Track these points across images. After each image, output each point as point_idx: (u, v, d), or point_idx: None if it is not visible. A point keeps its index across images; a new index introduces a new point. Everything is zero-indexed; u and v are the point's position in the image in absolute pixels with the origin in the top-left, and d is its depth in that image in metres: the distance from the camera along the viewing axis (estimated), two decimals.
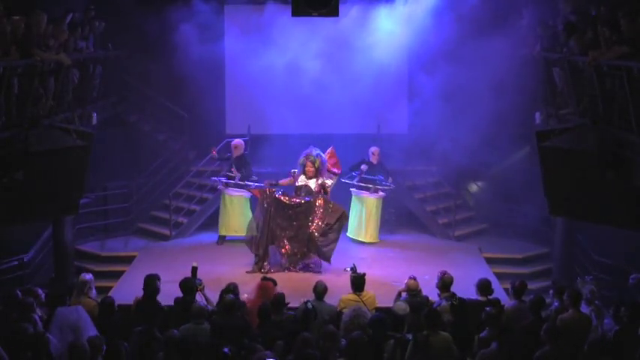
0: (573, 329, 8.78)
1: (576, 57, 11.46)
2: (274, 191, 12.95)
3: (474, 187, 15.93)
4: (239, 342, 8.01)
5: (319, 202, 12.91)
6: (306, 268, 12.87)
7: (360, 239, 14.53)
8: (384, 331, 8.30)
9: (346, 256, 13.03)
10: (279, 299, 9.30)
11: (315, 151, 13.19)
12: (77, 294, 9.66)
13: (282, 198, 12.90)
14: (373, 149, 14.63)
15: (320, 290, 9.67)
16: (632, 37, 9.90)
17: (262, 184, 13.71)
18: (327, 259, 12.88)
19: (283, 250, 12.90)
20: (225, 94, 16.51)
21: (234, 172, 14.35)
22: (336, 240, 13.00)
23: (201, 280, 10.00)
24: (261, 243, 12.87)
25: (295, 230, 12.88)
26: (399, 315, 8.88)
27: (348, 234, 14.28)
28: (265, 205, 12.91)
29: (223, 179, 14.51)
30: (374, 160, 14.55)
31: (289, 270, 12.80)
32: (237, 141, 14.68)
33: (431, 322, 8.34)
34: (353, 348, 7.67)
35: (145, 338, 8.27)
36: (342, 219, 13.09)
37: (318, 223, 12.84)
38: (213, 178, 14.80)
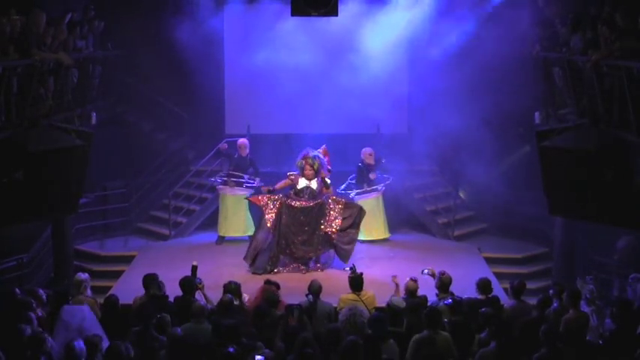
0: (574, 329, 8.79)
1: (576, 57, 11.46)
2: (281, 197, 12.87)
3: (463, 193, 15.94)
4: (238, 341, 8.01)
5: (331, 202, 12.87)
6: (318, 269, 12.84)
7: (375, 238, 14.51)
8: (383, 331, 8.30)
9: None
10: (272, 298, 9.35)
11: (312, 153, 13.08)
12: (73, 293, 9.66)
13: (293, 203, 12.83)
14: (368, 151, 14.52)
15: (315, 289, 9.68)
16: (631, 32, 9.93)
17: (259, 183, 13.83)
18: (345, 259, 12.74)
19: (295, 255, 12.86)
20: (224, 93, 16.47)
21: (240, 174, 14.36)
22: (355, 238, 12.96)
23: (200, 280, 10.02)
24: (273, 251, 12.77)
25: (309, 234, 12.82)
26: (396, 307, 8.90)
27: (359, 237, 14.24)
28: (272, 215, 12.80)
29: (219, 180, 14.46)
30: (370, 161, 14.51)
31: (299, 270, 12.75)
32: (243, 140, 14.64)
33: (431, 322, 8.34)
34: (347, 355, 7.66)
35: (142, 338, 8.27)
36: (361, 214, 12.99)
37: (332, 224, 12.80)
38: (211, 180, 14.67)
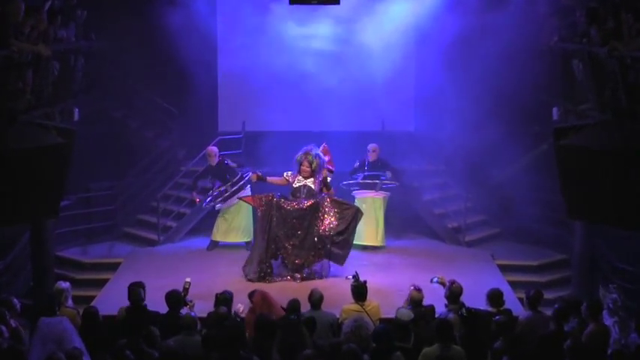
0: (595, 344, 8.74)
1: (597, 47, 11.42)
2: (273, 198, 12.87)
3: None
4: (235, 354, 8.00)
5: (326, 203, 12.84)
6: (310, 276, 12.81)
7: (367, 244, 14.46)
8: (389, 344, 8.26)
9: (348, 262, 12.96)
10: (295, 305, 9.30)
11: (315, 151, 13.08)
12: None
13: (284, 205, 12.80)
14: (372, 146, 14.50)
15: (316, 299, 9.69)
16: None
17: (248, 174, 13.81)
18: (340, 262, 12.81)
19: (287, 261, 12.83)
20: (217, 88, 16.46)
21: (214, 188, 14.31)
22: (350, 242, 12.92)
23: (192, 299, 9.93)
24: (262, 255, 12.77)
25: (301, 239, 12.76)
26: (403, 322, 8.87)
27: (355, 242, 14.22)
28: (263, 214, 12.81)
29: (211, 199, 14.37)
30: (373, 157, 14.46)
31: (291, 280, 12.71)
32: (211, 148, 14.56)
33: (443, 335, 8.29)
34: None
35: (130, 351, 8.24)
36: (357, 216, 12.93)
37: (325, 228, 12.75)
38: (205, 203, 14.52)
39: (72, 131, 10.67)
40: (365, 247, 14.40)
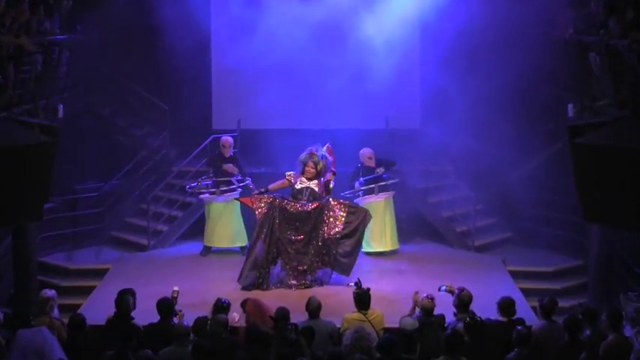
0: (615, 357, 8.67)
1: (615, 40, 11.38)
2: (275, 199, 12.78)
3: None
4: None
5: (332, 205, 12.77)
6: (312, 284, 12.74)
7: (379, 250, 14.43)
8: (394, 355, 8.22)
9: None
10: (284, 314, 9.23)
11: (321, 152, 13.06)
12: (38, 313, 9.60)
13: (287, 206, 12.73)
14: (367, 152, 14.41)
15: (313, 307, 9.66)
16: None
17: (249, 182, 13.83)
18: (346, 273, 12.70)
19: (288, 266, 12.76)
20: (211, 83, 16.44)
21: (230, 169, 14.26)
22: (357, 248, 12.88)
23: (181, 309, 9.89)
24: (262, 259, 12.68)
25: (304, 243, 12.71)
26: (407, 331, 8.83)
27: (363, 250, 14.13)
28: (264, 216, 12.72)
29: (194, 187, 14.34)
30: (371, 163, 14.40)
31: (293, 287, 12.66)
32: (226, 138, 14.55)
33: (452, 347, 8.24)
34: None
35: None
36: (365, 220, 12.88)
37: (330, 232, 12.69)
38: (189, 187, 14.49)
39: (56, 129, 10.65)
40: (369, 253, 14.35)
